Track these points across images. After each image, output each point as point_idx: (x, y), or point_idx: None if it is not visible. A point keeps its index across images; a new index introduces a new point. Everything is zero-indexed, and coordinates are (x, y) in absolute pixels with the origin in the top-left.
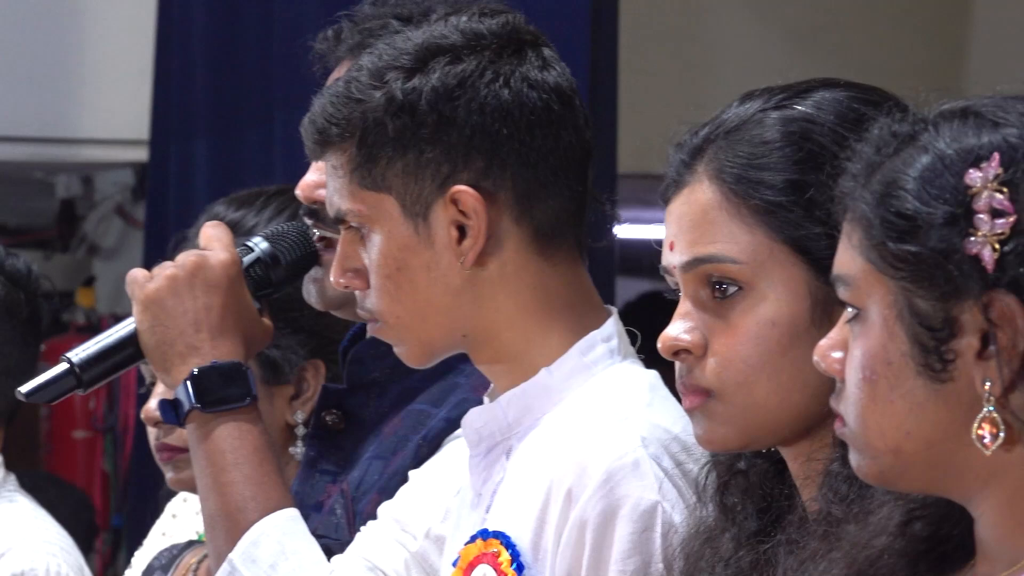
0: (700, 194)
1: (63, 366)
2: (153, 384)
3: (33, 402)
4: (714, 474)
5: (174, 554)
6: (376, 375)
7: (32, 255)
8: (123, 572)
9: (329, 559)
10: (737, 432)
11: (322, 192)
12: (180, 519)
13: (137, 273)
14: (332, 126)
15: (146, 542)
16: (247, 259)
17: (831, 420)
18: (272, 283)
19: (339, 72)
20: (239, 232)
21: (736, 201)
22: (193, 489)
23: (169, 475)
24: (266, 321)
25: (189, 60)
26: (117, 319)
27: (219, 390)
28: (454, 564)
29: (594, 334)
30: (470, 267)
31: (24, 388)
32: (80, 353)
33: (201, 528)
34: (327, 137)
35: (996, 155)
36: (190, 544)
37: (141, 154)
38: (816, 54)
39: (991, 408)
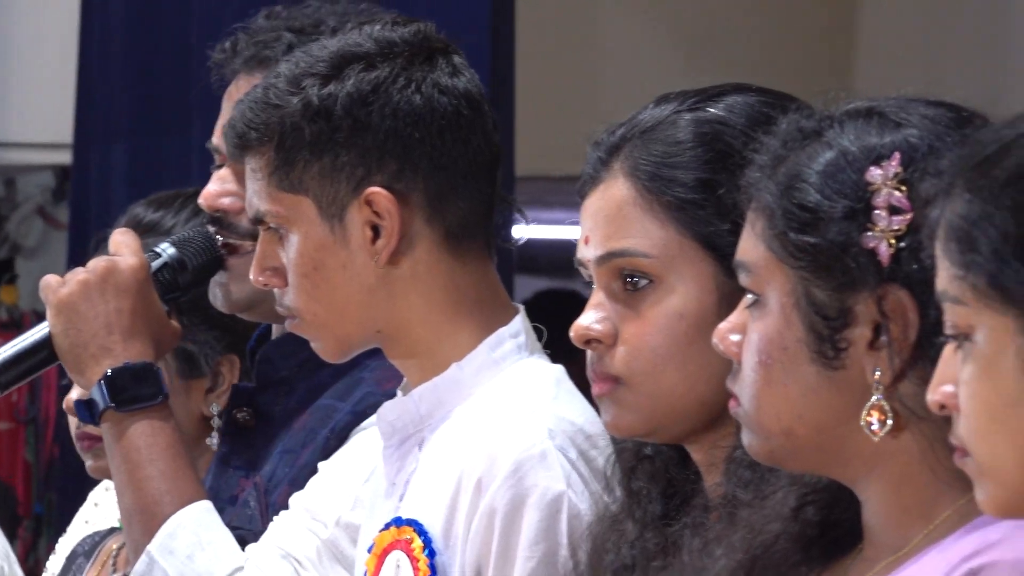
0: (615, 190)
1: None
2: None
3: None
4: (622, 460)
5: (96, 540)
6: (284, 373)
7: None
8: (45, 558)
9: (244, 549)
10: (644, 419)
11: (224, 201)
12: (102, 507)
13: (50, 279)
14: (251, 131)
15: (69, 529)
16: (155, 264)
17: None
18: (179, 287)
19: (237, 84)
20: (158, 232)
21: (649, 198)
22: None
23: (89, 463)
24: (174, 323)
25: (110, 66)
26: (39, 316)
27: (132, 389)
28: (369, 550)
29: (502, 331)
30: (384, 266)
31: None
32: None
33: None
34: (246, 141)
35: (897, 154)
36: (111, 531)
37: (63, 157)
38: (706, 60)
39: (880, 396)
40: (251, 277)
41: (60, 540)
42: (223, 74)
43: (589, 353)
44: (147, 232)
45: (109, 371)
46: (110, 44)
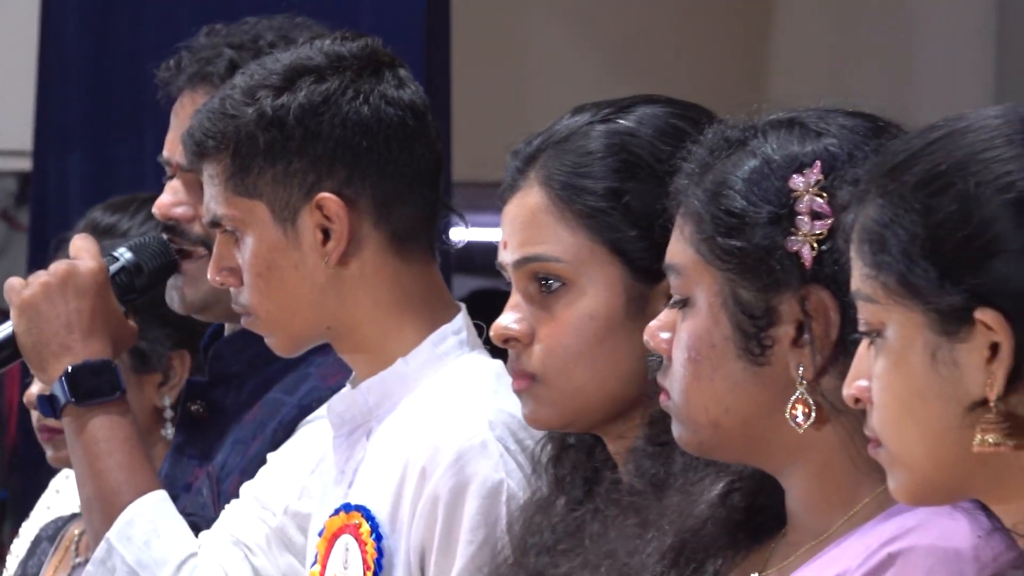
0: (531, 198)
1: None
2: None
3: None
4: (548, 447)
5: (59, 525)
6: (235, 369)
7: None
8: (9, 541)
9: (197, 535)
10: (558, 413)
11: (177, 210)
12: (63, 494)
13: (14, 281)
14: (208, 139)
15: (32, 514)
16: (113, 268)
17: (640, 404)
18: (136, 289)
19: (182, 100)
20: (115, 235)
21: (561, 206)
22: (72, 466)
23: (49, 453)
24: (131, 323)
25: (67, 79)
26: (3, 314)
27: (91, 385)
28: (319, 534)
29: (445, 327)
30: (333, 267)
31: None
32: None
33: None
34: (204, 149)
35: (818, 163)
36: (73, 517)
37: (25, 164)
38: (630, 71)
39: (803, 391)
40: (208, 276)
41: (23, 524)
42: (169, 91)
43: (510, 351)
44: (104, 235)
45: (69, 368)
46: (66, 59)
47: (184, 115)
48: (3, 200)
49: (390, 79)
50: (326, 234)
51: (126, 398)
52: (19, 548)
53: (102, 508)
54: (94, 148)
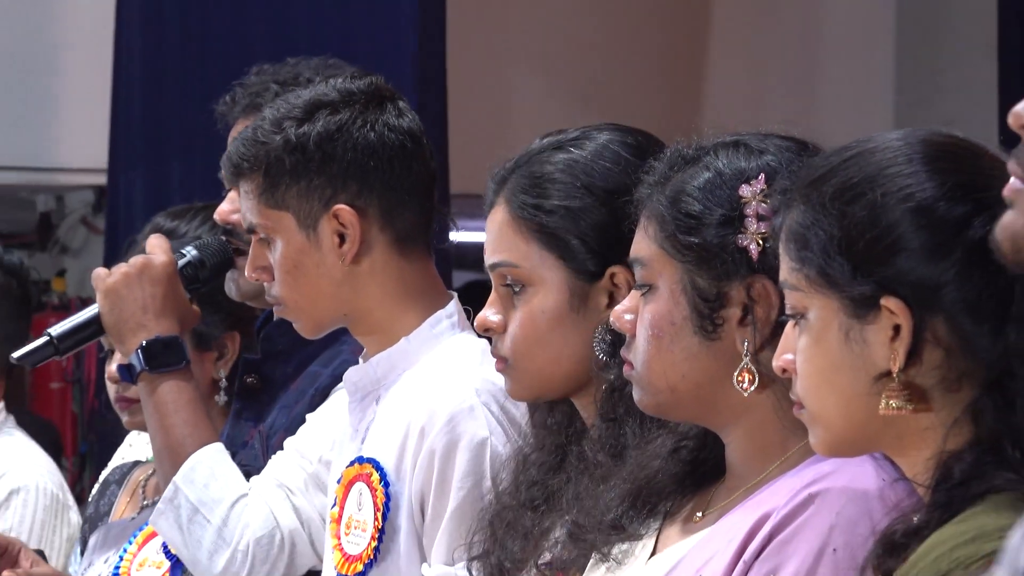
0: (499, 214)
1: (45, 339)
2: (112, 351)
3: (21, 365)
4: (536, 412)
5: (124, 471)
6: (282, 347)
7: (19, 253)
8: (89, 488)
9: (249, 481)
10: (527, 388)
11: (234, 216)
12: (134, 447)
13: (100, 270)
14: (244, 162)
15: (110, 464)
16: (181, 262)
17: (596, 380)
18: (199, 280)
19: (237, 127)
20: (175, 236)
21: (519, 221)
22: (143, 428)
23: (125, 419)
24: (194, 307)
25: (134, 109)
26: (83, 301)
27: (162, 356)
28: (338, 481)
29: (440, 312)
30: (348, 265)
31: (16, 354)
32: (58, 329)
33: (149, 453)
34: (240, 170)
35: (762, 175)
36: (136, 463)
37: (100, 179)
38: (591, 105)
39: (748, 362)
40: (246, 274)
41: (103, 472)
42: (226, 120)
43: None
44: (167, 236)
45: (144, 342)
46: (133, 93)
47: (233, 137)
48: (83, 209)
49: (392, 110)
50: (342, 238)
51: (190, 368)
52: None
53: (170, 457)
54: (156, 166)
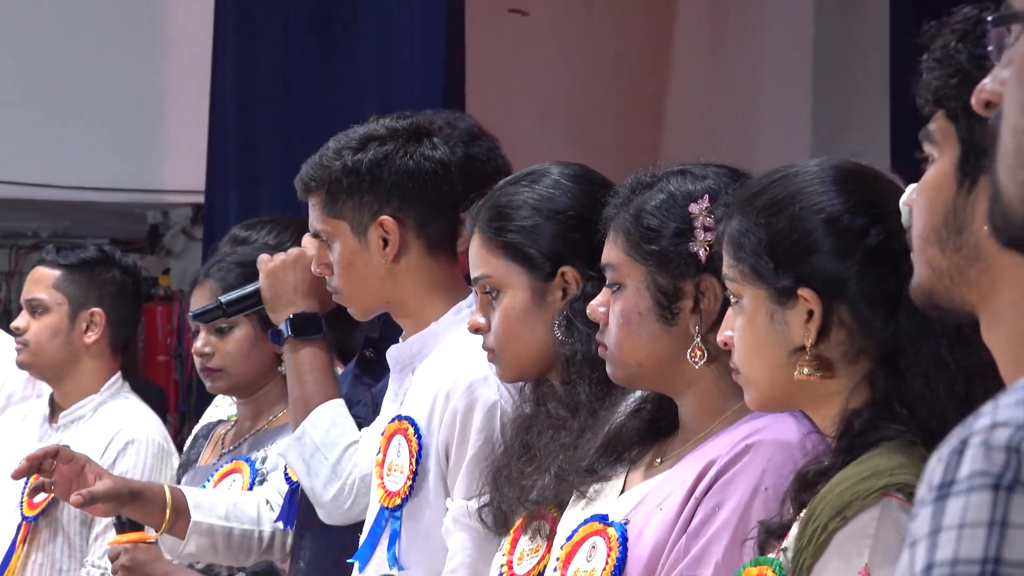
0: (476, 239)
1: (216, 303)
2: (198, 331)
3: (197, 322)
4: (531, 385)
5: (210, 428)
6: (395, 329)
7: (133, 256)
8: (187, 439)
9: (360, 431)
10: (508, 371)
11: None
12: (220, 408)
13: (263, 255)
14: (312, 181)
15: (201, 421)
16: None
17: (559, 359)
18: None
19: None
20: (247, 243)
21: (490, 242)
22: (224, 393)
23: (208, 384)
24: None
25: (227, 139)
26: (183, 293)
27: (304, 328)
28: (382, 434)
29: (461, 303)
30: (389, 264)
31: (191, 312)
32: (227, 297)
33: (230, 412)
34: (308, 187)
35: (706, 196)
36: (220, 421)
37: (199, 198)
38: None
39: (699, 342)
40: (311, 269)
41: (195, 428)
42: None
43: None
44: (241, 243)
45: (292, 315)
46: (227, 127)
47: (305, 162)
48: (183, 222)
49: (427, 144)
50: (385, 242)
51: (326, 338)
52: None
53: (302, 405)
54: (243, 188)
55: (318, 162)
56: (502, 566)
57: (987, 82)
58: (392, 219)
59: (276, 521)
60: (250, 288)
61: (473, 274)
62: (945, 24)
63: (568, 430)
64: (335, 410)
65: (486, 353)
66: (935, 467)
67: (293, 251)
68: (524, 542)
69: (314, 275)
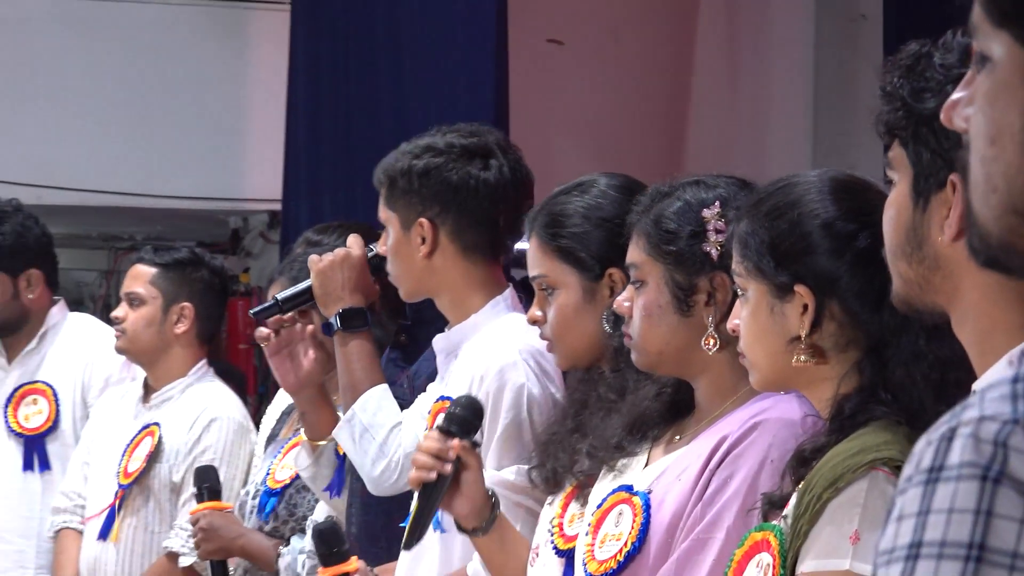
0: (533, 242)
1: (273, 301)
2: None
3: (256, 318)
4: (583, 371)
5: (292, 407)
6: (426, 317)
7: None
8: (263, 418)
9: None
10: (564, 359)
11: None
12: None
13: (313, 256)
14: (381, 175)
15: (275, 400)
16: (370, 255)
17: (608, 349)
18: (381, 269)
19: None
20: (319, 246)
21: (546, 245)
22: None
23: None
24: (376, 287)
25: (300, 154)
26: (261, 290)
27: (352, 321)
28: (428, 412)
29: (498, 298)
30: (423, 259)
31: (252, 310)
32: (283, 295)
33: None
34: (379, 181)
35: (718, 202)
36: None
37: (275, 206)
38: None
39: (712, 330)
40: (378, 250)
41: (268, 407)
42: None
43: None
44: (313, 246)
45: (341, 310)
46: (300, 143)
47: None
48: (261, 226)
49: (477, 163)
50: (423, 240)
51: (371, 331)
52: (268, 421)
53: (351, 391)
54: (314, 197)
55: (389, 159)
56: (552, 520)
57: (956, 98)
58: (429, 222)
59: (325, 490)
60: (302, 286)
61: (531, 273)
62: (893, 62)
63: (617, 411)
64: (381, 394)
65: (546, 344)
66: (924, 449)
67: (340, 251)
68: (574, 507)
69: (359, 273)
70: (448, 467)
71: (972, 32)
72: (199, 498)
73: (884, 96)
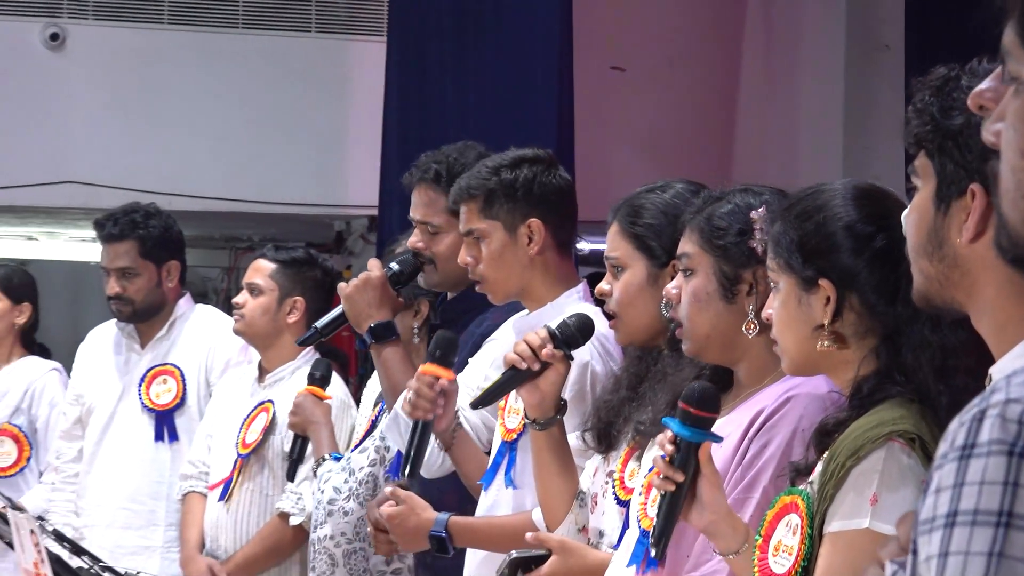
0: (613, 228)
1: (313, 330)
2: None
3: (302, 345)
4: (643, 349)
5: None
6: (451, 317)
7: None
8: (363, 395)
9: None
10: (624, 336)
11: (420, 244)
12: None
13: (341, 284)
14: (470, 190)
15: (368, 385)
16: (389, 274)
17: (665, 332)
18: (400, 283)
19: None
20: (398, 254)
21: (623, 231)
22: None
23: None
24: (400, 299)
25: (394, 166)
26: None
27: (382, 334)
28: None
29: (572, 290)
30: (532, 255)
31: (299, 339)
32: (321, 322)
33: None
34: (467, 195)
35: (764, 206)
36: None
37: (373, 212)
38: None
39: (752, 317)
40: (459, 260)
41: (364, 391)
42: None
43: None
44: (389, 255)
45: (371, 325)
46: (394, 155)
47: (463, 175)
48: (361, 229)
49: (547, 171)
50: (529, 239)
51: (400, 339)
52: (368, 398)
53: (392, 393)
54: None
55: (476, 177)
56: (613, 475)
57: (982, 88)
58: (540, 221)
59: (387, 473)
60: (336, 312)
61: (606, 253)
62: (923, 82)
63: (671, 382)
64: None
65: (608, 319)
66: (957, 430)
67: (362, 276)
68: (632, 464)
69: (382, 291)
70: (537, 365)
71: (1003, 55)
72: (310, 380)
73: (915, 111)
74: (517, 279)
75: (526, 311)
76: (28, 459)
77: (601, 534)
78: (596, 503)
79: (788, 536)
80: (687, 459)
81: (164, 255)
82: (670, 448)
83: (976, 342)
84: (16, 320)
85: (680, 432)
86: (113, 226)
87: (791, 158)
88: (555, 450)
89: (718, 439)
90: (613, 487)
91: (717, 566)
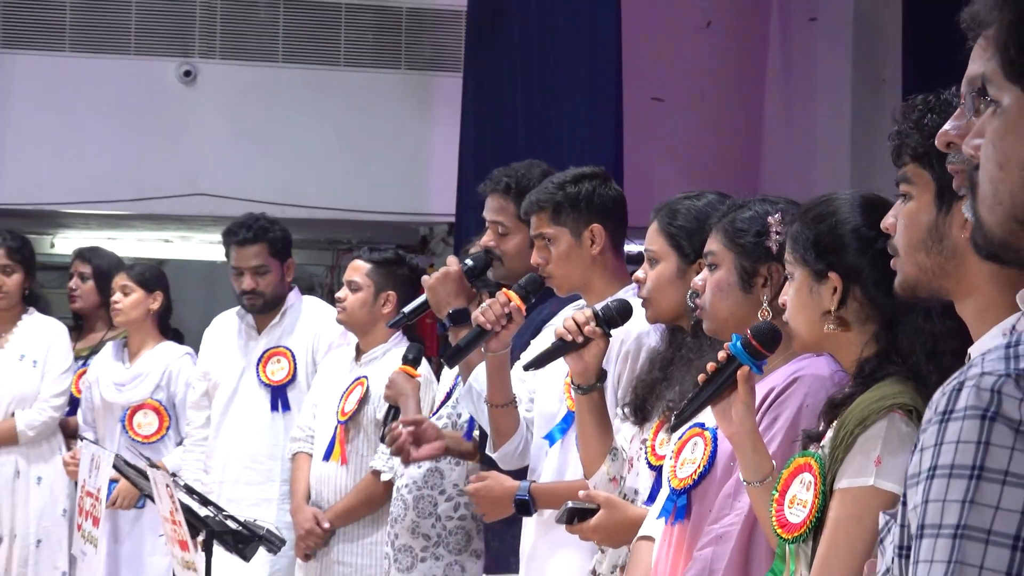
0: (653, 226)
1: (400, 314)
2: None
3: (391, 327)
4: (671, 333)
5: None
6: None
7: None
8: (442, 375)
9: None
10: (652, 316)
11: (491, 243)
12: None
13: (425, 276)
14: (541, 203)
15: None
16: (465, 268)
17: (688, 315)
18: (474, 276)
19: (495, 196)
20: (472, 253)
21: (660, 231)
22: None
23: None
24: (473, 290)
25: (470, 179)
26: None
27: (459, 318)
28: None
29: (628, 287)
30: (594, 256)
31: (389, 322)
32: (407, 308)
33: None
34: (538, 206)
35: (780, 212)
36: None
37: (452, 219)
38: (696, 180)
39: (766, 305)
40: (532, 261)
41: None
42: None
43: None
44: (464, 255)
45: (450, 311)
46: (469, 170)
47: (533, 190)
48: (442, 233)
49: (604, 185)
50: (592, 242)
51: (472, 324)
52: (447, 376)
53: (466, 368)
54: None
55: (545, 191)
56: (646, 441)
57: (947, 128)
58: (601, 226)
59: (464, 436)
60: (420, 300)
61: (645, 245)
62: (915, 103)
63: (695, 367)
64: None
65: (641, 301)
66: (940, 399)
67: (442, 270)
68: (662, 434)
69: (458, 283)
70: (581, 338)
71: (986, 81)
72: (404, 360)
73: (914, 128)
74: (581, 275)
75: (582, 301)
76: (167, 428)
77: (636, 492)
78: (631, 465)
79: (802, 492)
80: (728, 373)
81: (285, 255)
82: (722, 355)
83: (961, 330)
84: (151, 306)
85: (732, 347)
86: (247, 232)
87: (807, 173)
88: (594, 412)
89: (758, 370)
90: (646, 453)
91: (734, 519)
